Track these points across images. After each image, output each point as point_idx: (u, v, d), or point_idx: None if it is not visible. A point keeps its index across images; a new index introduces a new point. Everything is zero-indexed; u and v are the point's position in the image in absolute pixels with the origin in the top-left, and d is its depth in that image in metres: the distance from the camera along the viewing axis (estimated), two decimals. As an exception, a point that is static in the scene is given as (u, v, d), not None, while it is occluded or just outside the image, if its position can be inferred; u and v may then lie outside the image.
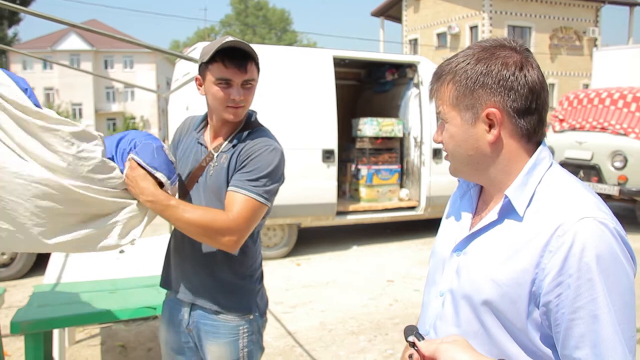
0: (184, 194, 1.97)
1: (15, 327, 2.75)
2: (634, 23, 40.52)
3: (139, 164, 1.76)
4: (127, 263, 3.95)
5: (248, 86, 1.87)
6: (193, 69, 6.16)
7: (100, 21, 48.25)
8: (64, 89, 45.34)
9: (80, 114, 45.53)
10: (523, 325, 1.09)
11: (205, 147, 1.96)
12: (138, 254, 3.91)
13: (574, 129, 8.69)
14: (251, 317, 1.97)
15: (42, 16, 2.90)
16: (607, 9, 31.93)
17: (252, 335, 1.97)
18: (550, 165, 1.16)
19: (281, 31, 58.77)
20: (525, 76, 1.12)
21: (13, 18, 23.70)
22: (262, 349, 2.06)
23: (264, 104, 6.63)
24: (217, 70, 1.82)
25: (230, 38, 1.81)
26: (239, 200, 1.79)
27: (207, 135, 1.99)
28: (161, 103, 43.14)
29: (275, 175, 1.87)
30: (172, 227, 1.98)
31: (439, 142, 1.25)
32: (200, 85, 1.91)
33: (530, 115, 1.13)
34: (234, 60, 1.80)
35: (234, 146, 1.89)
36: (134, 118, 46.26)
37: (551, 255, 1.04)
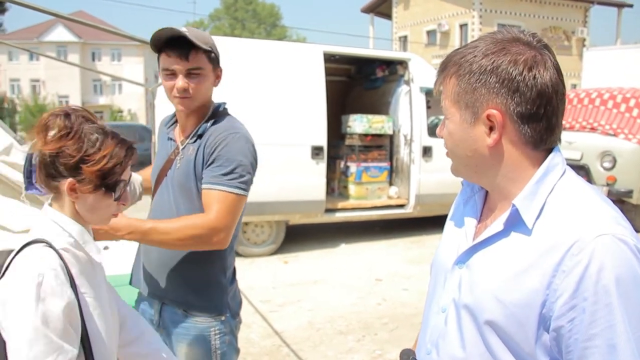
0: (156, 189, 1.96)
1: None
2: (622, 24, 40.71)
3: None
4: (114, 260, 3.86)
5: (194, 75, 1.81)
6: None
7: (88, 12, 47.74)
8: (50, 81, 44.83)
9: (67, 106, 45.10)
10: (531, 349, 0.99)
11: (174, 141, 1.96)
12: (126, 251, 3.82)
13: (563, 128, 8.67)
14: (222, 318, 1.91)
15: (30, 6, 2.81)
16: (595, 10, 32.05)
17: (224, 337, 1.92)
18: (564, 173, 1.05)
19: (270, 26, 58.54)
20: (534, 77, 0.99)
21: (-2, 8, 23.38)
22: (236, 350, 2.01)
23: (253, 98, 6.58)
24: (162, 61, 1.81)
25: (174, 27, 1.78)
26: (216, 197, 1.75)
27: (177, 130, 1.98)
28: (149, 96, 42.73)
29: (247, 163, 1.83)
30: None
31: (441, 137, 1.15)
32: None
33: (536, 121, 1.01)
34: (175, 49, 1.78)
35: (199, 136, 1.85)
36: (121, 111, 45.84)
37: (564, 275, 0.93)
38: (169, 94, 1.85)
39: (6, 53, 44.15)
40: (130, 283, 2.08)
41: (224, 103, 1.99)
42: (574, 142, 8.11)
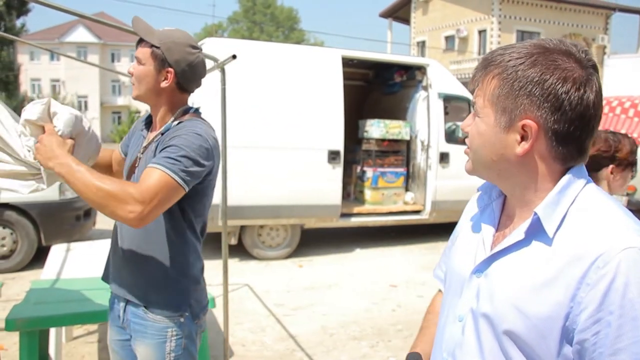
0: None
1: (10, 325, 2.68)
2: (644, 32, 40.20)
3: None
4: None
5: (138, 64, 1.91)
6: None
7: (108, 14, 48.25)
8: (70, 81, 45.31)
9: (86, 106, 45.53)
10: None
11: (144, 137, 2.01)
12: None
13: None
14: (182, 319, 1.88)
15: (53, 6, 2.84)
16: (617, 17, 31.72)
17: (180, 340, 1.88)
18: (586, 184, 1.04)
19: (288, 29, 58.70)
20: (580, 98, 0.97)
21: (22, 8, 23.64)
22: (192, 357, 1.95)
23: (272, 102, 6.59)
24: None
25: (140, 19, 1.93)
26: (152, 174, 1.70)
27: (152, 128, 2.02)
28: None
29: (198, 158, 1.78)
30: (116, 223, 1.96)
31: (466, 132, 1.13)
32: None
33: (570, 141, 1.00)
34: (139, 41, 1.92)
35: (162, 134, 1.88)
36: (139, 112, 46.10)
37: (589, 288, 0.92)
38: None
39: (28, 53, 44.71)
40: (102, 278, 2.09)
41: (198, 107, 2.02)
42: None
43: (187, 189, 1.76)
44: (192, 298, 1.93)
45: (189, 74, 1.91)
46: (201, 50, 1.98)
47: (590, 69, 1.01)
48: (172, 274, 1.89)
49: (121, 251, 1.93)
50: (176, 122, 1.89)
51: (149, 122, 2.05)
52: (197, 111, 2.01)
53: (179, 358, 1.89)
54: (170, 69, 1.88)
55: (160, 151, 1.78)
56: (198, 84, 2.00)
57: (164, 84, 1.90)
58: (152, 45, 1.87)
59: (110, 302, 2.05)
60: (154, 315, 1.87)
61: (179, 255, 1.90)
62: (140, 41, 1.91)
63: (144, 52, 1.89)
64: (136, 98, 1.96)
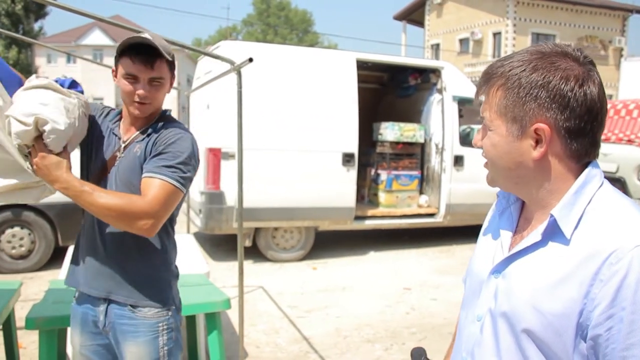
0: (98, 183, 1.93)
1: (30, 323, 2.73)
2: (661, 34, 39.80)
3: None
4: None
5: (155, 84, 1.86)
6: (215, 67, 6.13)
7: (124, 17, 48.65)
8: (86, 83, 45.34)
9: (102, 108, 45.97)
10: (568, 358, 1.00)
11: (119, 138, 1.97)
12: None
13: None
14: (169, 312, 1.93)
15: (72, 10, 2.91)
16: (634, 18, 31.42)
17: (171, 333, 1.94)
18: (601, 185, 1.06)
19: (302, 32, 58.80)
20: (585, 94, 1.00)
21: (39, 12, 23.97)
22: (181, 348, 2.02)
23: (286, 104, 6.62)
24: (125, 65, 1.84)
25: (144, 35, 1.83)
26: (155, 184, 1.77)
27: (122, 127, 2.00)
28: (181, 100, 43.37)
29: (191, 163, 1.87)
30: (91, 223, 1.94)
31: (479, 147, 1.16)
32: (115, 77, 1.93)
33: (583, 136, 1.03)
34: (140, 56, 1.81)
35: (147, 136, 1.89)
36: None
37: (602, 284, 0.94)
38: (126, 98, 1.88)
39: (45, 56, 45.21)
40: (66, 283, 2.05)
41: (169, 110, 2.08)
42: (609, 154, 7.95)
43: (185, 192, 1.85)
44: (174, 292, 1.99)
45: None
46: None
47: (589, 65, 1.04)
48: (158, 270, 1.93)
49: (102, 252, 1.91)
50: (161, 123, 1.93)
51: (117, 120, 2.02)
52: (169, 114, 2.06)
53: (171, 350, 1.93)
54: (174, 76, 1.94)
55: (154, 156, 1.83)
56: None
57: (168, 91, 1.95)
58: (167, 60, 1.87)
59: (78, 307, 1.99)
60: (143, 312, 1.89)
61: (162, 251, 1.94)
62: (153, 60, 1.82)
63: (163, 68, 1.86)
64: (145, 115, 1.91)
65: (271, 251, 7.03)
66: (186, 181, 1.84)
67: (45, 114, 1.72)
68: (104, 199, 1.72)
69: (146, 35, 1.84)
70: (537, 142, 1.04)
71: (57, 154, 1.77)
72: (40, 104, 1.74)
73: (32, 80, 1.84)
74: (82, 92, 2.01)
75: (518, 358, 1.05)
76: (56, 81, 1.91)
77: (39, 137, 1.74)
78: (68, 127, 1.77)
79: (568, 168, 1.06)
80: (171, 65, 1.90)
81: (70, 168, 1.77)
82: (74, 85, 2.03)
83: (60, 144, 1.77)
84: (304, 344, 4.40)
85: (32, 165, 1.78)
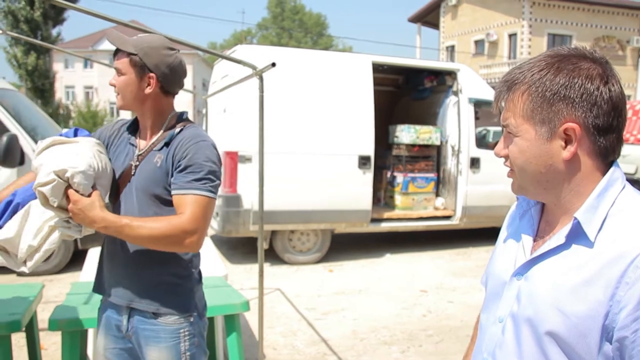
0: (117, 195, 1.97)
1: (53, 325, 2.77)
2: (680, 34, 39.33)
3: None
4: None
5: (119, 74, 1.90)
6: (232, 71, 6.18)
7: (140, 22, 49.09)
8: (102, 88, 46.18)
9: (118, 112, 46.27)
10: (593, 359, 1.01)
11: (136, 147, 1.98)
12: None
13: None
14: (191, 318, 1.94)
15: (90, 12, 2.97)
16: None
17: (193, 338, 1.95)
18: (624, 187, 1.07)
19: (317, 35, 58.91)
20: (609, 91, 1.03)
21: (57, 18, 24.24)
22: (205, 353, 2.03)
23: (302, 108, 6.65)
24: None
25: (113, 29, 1.94)
26: (190, 200, 1.79)
27: (140, 135, 2.01)
28: (197, 104, 43.69)
29: (216, 169, 1.89)
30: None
31: (502, 156, 1.17)
32: None
33: (610, 133, 1.05)
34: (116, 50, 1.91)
35: (167, 144, 1.89)
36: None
37: (628, 287, 0.95)
38: None
39: (62, 61, 45.78)
40: (94, 290, 2.08)
41: (186, 112, 2.05)
42: (628, 155, 7.89)
43: (216, 198, 1.88)
44: (197, 298, 1.99)
45: (170, 77, 1.92)
46: (178, 51, 1.97)
47: (606, 64, 1.07)
48: (177, 277, 1.94)
49: (123, 259, 1.94)
50: (178, 130, 1.91)
51: (134, 129, 2.04)
52: (187, 117, 2.04)
53: (194, 355, 1.95)
54: (151, 74, 1.88)
55: (180, 170, 1.83)
56: (180, 85, 1.99)
57: (147, 90, 1.89)
58: (129, 54, 1.87)
59: (103, 311, 2.04)
60: (164, 319, 1.91)
61: (181, 257, 1.95)
62: (117, 52, 1.91)
63: (122, 62, 1.89)
64: (121, 108, 1.96)
65: (288, 254, 7.06)
66: (216, 189, 1.87)
67: (62, 165, 1.74)
68: (145, 229, 1.75)
69: (111, 30, 1.94)
70: (567, 142, 1.06)
71: (88, 196, 1.77)
72: (53, 159, 1.77)
73: (38, 146, 1.87)
74: (88, 134, 2.03)
75: (541, 359, 1.06)
76: (60, 135, 1.95)
77: (67, 187, 1.75)
78: (87, 166, 1.77)
79: (596, 167, 1.07)
80: (134, 59, 1.87)
81: (104, 206, 1.78)
82: (77, 132, 2.03)
83: (87, 186, 1.77)
84: (321, 346, 4.42)
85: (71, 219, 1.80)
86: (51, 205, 1.75)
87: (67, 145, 1.85)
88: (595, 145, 1.06)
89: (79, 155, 1.80)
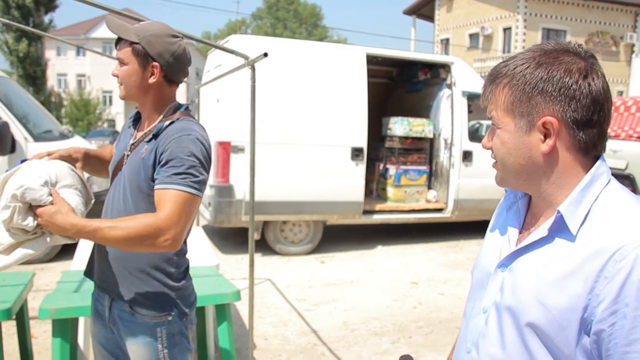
0: (112, 181, 1.96)
1: (44, 313, 2.76)
2: (673, 30, 39.46)
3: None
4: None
5: (122, 64, 1.86)
6: (226, 61, 6.15)
7: (133, 10, 48.75)
8: (95, 76, 45.91)
9: (111, 101, 46.08)
10: (571, 352, 1.02)
11: (133, 136, 1.95)
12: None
13: (608, 137, 8.50)
14: (169, 317, 1.87)
15: (82, 0, 2.95)
16: (646, 15, 31.13)
17: (172, 337, 1.88)
18: (608, 182, 1.08)
19: (312, 26, 58.75)
20: (589, 85, 1.03)
21: (49, 5, 24.05)
22: (189, 350, 1.96)
23: (296, 99, 6.64)
24: None
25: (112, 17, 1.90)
26: (169, 196, 1.69)
27: (140, 125, 1.98)
28: (190, 93, 43.50)
29: (202, 164, 1.78)
30: (103, 216, 1.93)
31: (487, 148, 1.18)
32: None
33: (590, 127, 1.05)
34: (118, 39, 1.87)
35: (155, 136, 1.82)
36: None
37: (607, 281, 0.96)
38: None
39: (55, 48, 45.41)
40: (85, 274, 2.06)
41: (187, 104, 1.99)
42: (619, 150, 7.92)
43: (202, 195, 1.78)
44: (177, 297, 1.90)
45: (174, 65, 1.86)
46: (182, 38, 1.92)
47: (590, 59, 1.07)
48: (158, 273, 1.87)
49: (106, 250, 1.89)
50: (168, 122, 1.83)
51: (137, 119, 2.01)
52: (187, 109, 1.97)
53: (173, 354, 1.89)
54: (155, 63, 1.83)
55: (163, 164, 1.75)
56: (185, 74, 1.94)
57: (151, 80, 1.84)
58: (131, 43, 1.81)
59: (94, 298, 2.02)
60: (140, 313, 1.85)
61: (159, 255, 1.87)
62: (119, 41, 1.85)
63: (124, 51, 1.83)
64: (124, 98, 1.90)
65: (279, 244, 7.07)
66: (201, 184, 1.76)
67: (10, 191, 1.71)
68: (117, 230, 1.65)
69: (111, 17, 1.89)
70: (546, 135, 1.06)
71: (51, 204, 1.72)
72: (5, 193, 1.74)
73: None
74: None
75: (521, 351, 1.08)
76: (7, 171, 1.84)
77: (30, 207, 1.72)
78: (36, 178, 1.74)
79: (577, 161, 1.08)
80: (136, 48, 1.82)
81: (70, 211, 1.71)
82: (24, 162, 1.90)
83: (43, 195, 1.72)
84: (311, 336, 4.44)
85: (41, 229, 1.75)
86: (30, 229, 1.73)
87: (14, 175, 1.79)
88: (574, 139, 1.06)
89: (23, 173, 1.76)
